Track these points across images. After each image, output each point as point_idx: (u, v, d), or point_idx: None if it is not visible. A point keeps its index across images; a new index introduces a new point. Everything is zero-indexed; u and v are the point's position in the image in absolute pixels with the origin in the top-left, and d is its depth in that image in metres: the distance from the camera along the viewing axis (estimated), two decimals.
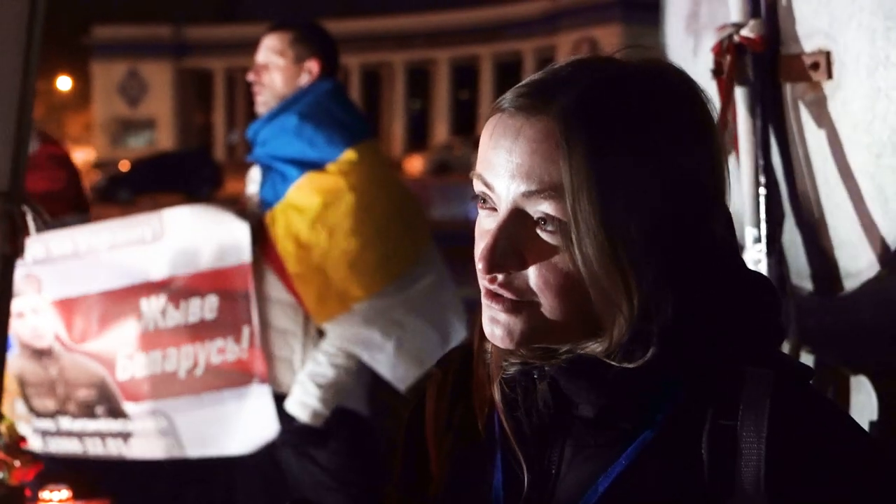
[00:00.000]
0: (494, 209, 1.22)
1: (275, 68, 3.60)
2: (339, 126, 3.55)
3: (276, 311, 3.51)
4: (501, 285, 1.21)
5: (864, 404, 2.29)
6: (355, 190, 3.46)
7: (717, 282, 1.21)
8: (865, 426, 2.24)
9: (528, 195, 1.18)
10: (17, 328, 3.57)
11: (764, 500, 1.15)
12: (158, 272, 3.50)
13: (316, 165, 3.48)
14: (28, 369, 3.68)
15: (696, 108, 1.21)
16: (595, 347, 1.20)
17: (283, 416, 3.49)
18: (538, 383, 1.24)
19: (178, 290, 3.49)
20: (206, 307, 3.47)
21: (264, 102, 3.64)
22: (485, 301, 1.24)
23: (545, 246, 1.18)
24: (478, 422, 1.33)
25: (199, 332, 3.48)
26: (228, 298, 3.45)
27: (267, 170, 3.60)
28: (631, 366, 1.18)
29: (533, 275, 1.19)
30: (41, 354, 3.65)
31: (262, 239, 3.49)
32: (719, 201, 1.23)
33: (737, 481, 1.16)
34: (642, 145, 1.15)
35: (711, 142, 1.22)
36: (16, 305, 3.49)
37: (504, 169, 1.19)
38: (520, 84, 1.23)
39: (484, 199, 1.23)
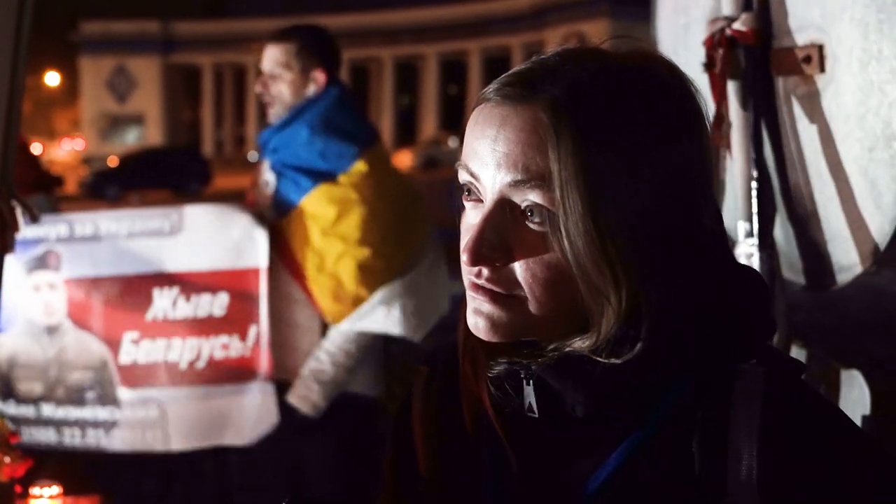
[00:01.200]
0: (480, 200, 1.20)
1: (282, 81, 3.70)
2: (347, 137, 3.69)
3: (295, 308, 3.65)
4: (488, 280, 1.18)
5: (857, 399, 2.29)
6: (366, 202, 3.61)
7: (707, 276, 1.20)
8: (859, 422, 2.24)
9: (514, 185, 1.15)
10: (30, 302, 3.70)
11: (757, 499, 1.13)
12: (173, 264, 3.63)
13: (328, 176, 3.63)
14: (24, 349, 3.74)
15: (686, 99, 1.20)
16: (582, 343, 1.18)
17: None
18: (525, 383, 1.22)
19: (190, 284, 3.60)
20: (215, 303, 3.59)
21: (275, 113, 3.76)
22: (469, 293, 1.21)
23: (532, 237, 1.16)
24: (466, 421, 1.30)
25: (206, 326, 3.60)
26: (239, 298, 3.58)
27: (279, 176, 3.72)
28: (618, 361, 1.16)
29: (520, 268, 1.17)
30: (44, 332, 3.73)
31: (278, 243, 3.64)
32: (707, 194, 1.21)
33: (729, 480, 1.14)
34: (632, 137, 1.14)
35: (700, 134, 1.20)
36: (34, 279, 3.66)
37: (490, 158, 1.17)
38: (505, 74, 1.20)
39: (469, 191, 1.21)
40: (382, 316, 3.64)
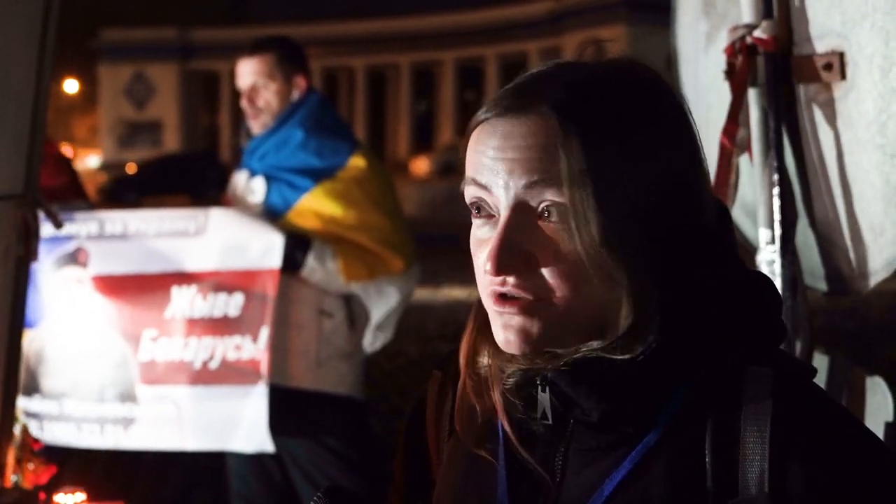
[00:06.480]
0: (490, 216, 1.22)
1: (268, 91, 3.82)
2: (337, 135, 3.85)
3: (296, 308, 3.71)
4: (515, 286, 1.19)
5: (879, 405, 2.29)
6: (371, 196, 3.76)
7: (709, 277, 1.21)
8: (881, 427, 2.24)
9: (530, 186, 1.17)
10: (59, 298, 3.77)
11: (768, 501, 1.14)
12: (194, 264, 3.69)
13: (327, 174, 3.74)
14: (51, 343, 3.80)
15: (674, 101, 1.23)
16: (595, 343, 1.19)
17: (297, 409, 3.70)
18: (540, 389, 1.23)
19: (208, 282, 3.66)
20: (231, 304, 3.64)
21: (262, 122, 3.85)
22: (495, 308, 1.21)
23: (551, 237, 1.18)
24: (459, 427, 1.32)
25: (221, 326, 3.65)
26: (253, 299, 3.63)
27: (270, 180, 3.80)
28: (632, 356, 1.17)
29: (544, 269, 1.18)
30: (69, 327, 3.79)
31: None
32: (703, 196, 1.23)
33: (741, 482, 1.15)
34: (631, 133, 1.17)
35: (689, 134, 1.23)
36: (63, 275, 3.74)
37: (501, 167, 1.19)
38: (497, 94, 1.24)
39: (478, 209, 1.23)
40: (393, 312, 3.82)
